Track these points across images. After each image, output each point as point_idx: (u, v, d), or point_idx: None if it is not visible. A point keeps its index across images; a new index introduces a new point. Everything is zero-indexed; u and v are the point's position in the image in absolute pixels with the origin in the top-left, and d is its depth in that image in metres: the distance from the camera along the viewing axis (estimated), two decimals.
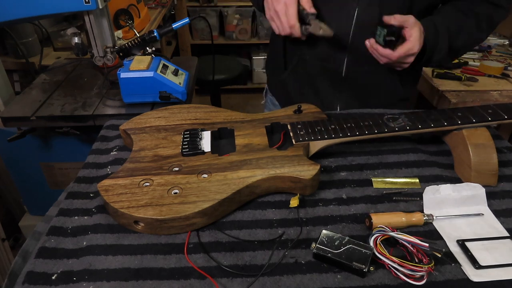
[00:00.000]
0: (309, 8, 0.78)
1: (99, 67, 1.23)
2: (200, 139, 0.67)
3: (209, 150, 0.65)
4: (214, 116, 0.74)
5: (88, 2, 1.01)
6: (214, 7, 2.80)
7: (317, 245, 0.51)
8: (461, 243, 0.53)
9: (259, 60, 2.99)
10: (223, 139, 0.71)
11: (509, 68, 1.40)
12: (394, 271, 0.49)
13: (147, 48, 1.07)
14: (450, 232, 0.55)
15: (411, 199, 0.61)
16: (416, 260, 0.49)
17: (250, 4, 2.76)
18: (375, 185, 0.64)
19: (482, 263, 0.50)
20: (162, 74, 1.01)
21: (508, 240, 0.54)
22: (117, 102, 1.08)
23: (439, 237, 0.55)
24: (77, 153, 1.17)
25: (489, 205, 0.60)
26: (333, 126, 0.68)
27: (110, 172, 0.67)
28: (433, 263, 0.48)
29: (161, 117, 0.74)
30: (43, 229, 0.59)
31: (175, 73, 1.07)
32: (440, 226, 0.57)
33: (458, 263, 0.51)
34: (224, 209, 0.58)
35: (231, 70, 2.35)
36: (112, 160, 0.70)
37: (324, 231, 0.53)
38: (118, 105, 1.07)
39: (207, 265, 0.51)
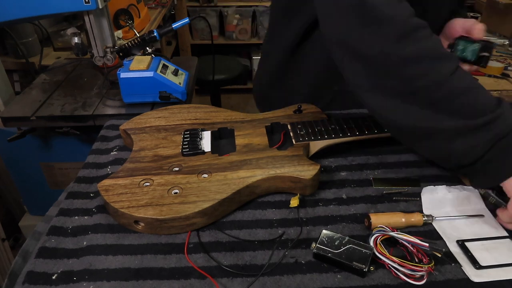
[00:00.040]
0: None
1: (99, 67, 1.23)
2: (200, 139, 0.67)
3: (209, 150, 0.65)
4: (214, 116, 0.74)
5: (88, 2, 1.01)
6: (214, 7, 2.80)
7: (317, 245, 0.51)
8: (461, 243, 0.53)
9: (259, 60, 2.98)
10: (223, 139, 0.71)
11: (509, 68, 1.40)
12: (394, 271, 0.49)
13: (147, 48, 1.07)
14: (450, 232, 0.55)
15: (411, 199, 0.61)
16: (416, 260, 0.49)
17: (250, 4, 2.77)
18: (375, 185, 0.64)
19: (483, 263, 0.50)
20: (162, 74, 1.01)
21: (508, 240, 0.54)
22: (117, 102, 1.08)
23: (439, 237, 0.55)
24: (77, 153, 1.17)
25: (487, 205, 0.60)
26: (333, 126, 0.68)
27: (110, 172, 0.67)
28: (433, 263, 0.48)
29: (161, 117, 0.74)
30: (43, 229, 0.59)
31: (175, 73, 1.07)
32: (439, 226, 0.57)
33: (458, 263, 0.51)
34: (224, 209, 0.58)
35: (231, 70, 2.35)
36: (112, 160, 0.70)
37: (324, 231, 0.53)
38: (118, 105, 1.07)
39: (207, 265, 0.51)
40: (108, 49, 1.15)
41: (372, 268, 0.49)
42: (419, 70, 0.51)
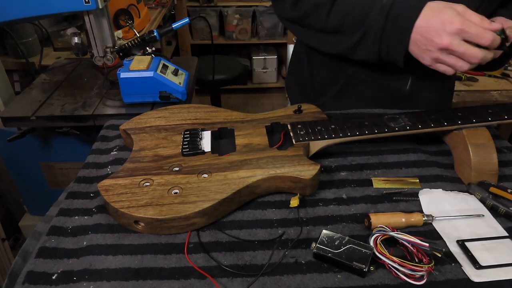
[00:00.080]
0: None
1: (99, 67, 1.23)
2: (200, 139, 0.67)
3: (209, 150, 0.65)
4: (214, 116, 0.74)
5: (88, 2, 1.01)
6: (214, 7, 2.80)
7: (317, 245, 0.51)
8: (461, 243, 0.53)
9: (259, 60, 2.99)
10: (223, 139, 0.71)
11: (509, 68, 1.40)
12: (394, 271, 0.49)
13: (147, 48, 1.07)
14: (450, 232, 0.55)
15: (411, 199, 0.61)
16: (416, 260, 0.49)
17: (250, 4, 2.77)
18: (375, 185, 0.64)
19: (483, 263, 0.50)
20: (162, 74, 1.01)
21: (508, 240, 0.54)
22: (117, 102, 1.08)
23: (438, 237, 0.55)
24: (77, 153, 1.17)
25: None
26: (333, 126, 0.68)
27: (110, 172, 0.67)
28: (433, 263, 0.48)
29: (161, 117, 0.74)
30: (43, 229, 0.59)
31: (175, 73, 1.07)
32: (439, 226, 0.57)
33: (458, 263, 0.51)
34: (224, 209, 0.58)
35: (231, 70, 2.35)
36: (112, 160, 0.70)
37: (324, 231, 0.53)
38: (118, 105, 1.07)
39: (207, 265, 0.51)
40: (108, 49, 1.15)
41: (372, 268, 0.49)
42: (308, 21, 0.76)
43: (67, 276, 0.50)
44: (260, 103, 3.07)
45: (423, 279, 0.48)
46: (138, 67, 0.99)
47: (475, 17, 0.59)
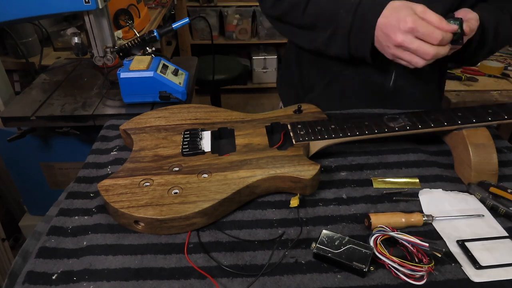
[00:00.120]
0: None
1: (99, 67, 1.23)
2: (200, 139, 0.67)
3: (209, 150, 0.65)
4: (214, 116, 0.74)
5: (88, 2, 1.01)
6: (214, 7, 2.80)
7: (317, 245, 0.51)
8: (461, 243, 0.53)
9: (259, 60, 2.99)
10: (223, 139, 0.71)
11: (509, 68, 1.40)
12: (394, 271, 0.49)
13: (147, 48, 1.07)
14: (450, 232, 0.55)
15: (411, 199, 0.61)
16: (416, 260, 0.49)
17: (250, 4, 2.77)
18: (375, 185, 0.64)
19: (483, 263, 0.50)
20: (162, 74, 1.01)
21: (508, 240, 0.54)
22: (117, 102, 1.08)
23: (438, 237, 0.55)
24: (77, 153, 1.17)
25: None
26: (333, 126, 0.68)
27: (110, 172, 0.67)
28: (433, 263, 0.48)
29: (161, 117, 0.74)
30: (43, 229, 0.59)
31: (175, 73, 1.07)
32: (439, 226, 0.57)
33: (458, 263, 0.51)
34: (224, 209, 0.58)
35: (231, 70, 2.35)
36: (112, 160, 0.70)
37: (324, 231, 0.53)
38: (118, 105, 1.07)
39: (207, 265, 0.51)
40: (108, 49, 1.15)
41: (372, 268, 0.49)
42: (287, 18, 0.81)
43: (67, 276, 0.50)
44: (260, 103, 3.08)
45: (423, 279, 0.48)
46: (138, 67, 0.99)
47: (433, 17, 0.62)
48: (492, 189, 0.61)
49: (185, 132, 0.69)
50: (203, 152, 0.65)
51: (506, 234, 0.55)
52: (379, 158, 0.70)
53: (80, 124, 1.05)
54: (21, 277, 0.50)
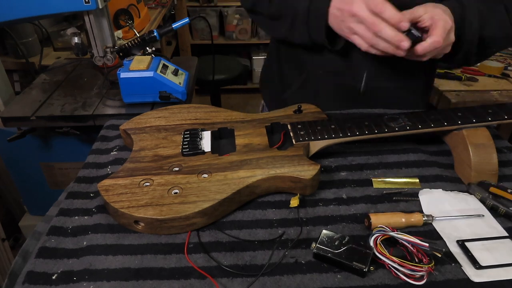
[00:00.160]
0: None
1: (99, 67, 1.23)
2: (200, 139, 0.67)
3: (209, 150, 0.65)
4: (214, 116, 0.74)
5: (88, 2, 1.01)
6: (214, 7, 2.80)
7: (317, 245, 0.51)
8: (461, 243, 0.53)
9: (259, 60, 2.99)
10: (223, 139, 0.71)
11: (509, 68, 1.40)
12: (394, 271, 0.49)
13: (147, 48, 1.07)
14: (450, 232, 0.55)
15: (411, 199, 0.61)
16: (416, 260, 0.49)
17: None
18: (375, 185, 0.64)
19: (483, 263, 0.50)
20: (162, 74, 1.01)
21: (508, 240, 0.54)
22: (117, 102, 1.08)
23: (438, 237, 0.55)
24: (77, 153, 1.17)
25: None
26: (333, 126, 0.68)
27: (110, 172, 0.67)
28: (433, 263, 0.48)
29: (161, 117, 0.74)
30: (43, 229, 0.59)
31: (175, 73, 1.07)
32: (439, 226, 0.57)
33: (458, 263, 0.51)
34: (224, 209, 0.58)
35: (231, 70, 2.35)
36: (112, 160, 0.70)
37: (324, 231, 0.53)
38: (118, 105, 1.07)
39: (207, 265, 0.51)
40: (108, 49, 1.15)
41: (372, 268, 0.49)
42: (257, 9, 0.83)
43: (67, 276, 0.50)
44: (260, 103, 3.07)
45: (423, 279, 0.48)
46: (138, 67, 0.99)
47: (389, 11, 0.62)
48: (492, 189, 0.61)
49: (185, 132, 0.69)
50: (203, 152, 0.65)
51: (506, 234, 0.55)
52: (379, 158, 0.70)
53: (80, 124, 1.05)
54: (21, 277, 0.50)
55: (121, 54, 1.07)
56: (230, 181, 0.58)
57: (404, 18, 0.62)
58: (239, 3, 2.77)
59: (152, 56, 1.05)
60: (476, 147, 0.64)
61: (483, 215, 0.58)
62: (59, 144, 1.17)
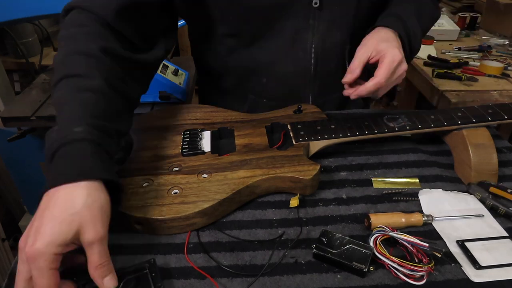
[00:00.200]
0: None
1: None
2: (200, 139, 0.67)
3: (209, 150, 0.65)
4: (214, 116, 0.74)
5: None
6: None
7: (317, 245, 0.51)
8: (461, 244, 0.53)
9: None
10: (223, 139, 0.71)
11: (509, 68, 1.40)
12: (394, 271, 0.49)
13: None
14: (450, 233, 0.55)
15: (411, 199, 0.61)
16: (416, 260, 0.49)
17: None
18: (375, 185, 0.64)
19: (483, 264, 0.50)
20: (162, 74, 1.01)
21: (508, 240, 0.54)
22: None
23: (438, 237, 0.55)
24: None
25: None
26: (333, 126, 0.68)
27: None
28: (433, 263, 0.48)
29: (161, 117, 0.74)
30: None
31: (175, 73, 1.07)
32: (439, 226, 0.57)
33: (458, 263, 0.51)
34: (224, 209, 0.58)
35: None
36: None
37: (324, 231, 0.53)
38: None
39: (207, 265, 0.51)
40: None
41: (372, 268, 0.49)
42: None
43: (67, 276, 0.49)
44: None
45: (423, 279, 0.48)
46: None
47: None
48: (492, 189, 0.61)
49: (185, 132, 0.69)
50: (203, 152, 0.65)
51: (506, 234, 0.55)
52: (379, 158, 0.70)
53: None
54: None
55: None
56: (230, 181, 0.58)
57: None
58: None
59: None
60: (476, 147, 0.64)
61: (483, 215, 0.58)
62: None
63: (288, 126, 0.69)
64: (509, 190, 0.60)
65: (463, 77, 1.32)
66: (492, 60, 1.44)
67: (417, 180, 0.65)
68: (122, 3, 0.60)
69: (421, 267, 0.48)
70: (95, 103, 0.52)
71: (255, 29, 0.73)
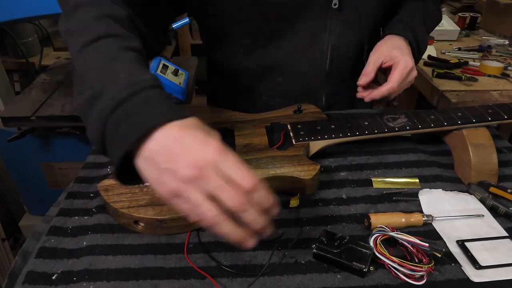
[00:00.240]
0: None
1: None
2: None
3: None
4: (214, 116, 0.74)
5: None
6: None
7: (317, 245, 0.51)
8: (461, 244, 0.53)
9: None
10: (223, 139, 0.71)
11: (509, 68, 1.40)
12: (394, 271, 0.49)
13: None
14: (450, 233, 0.55)
15: (411, 199, 0.61)
16: (416, 260, 0.49)
17: None
18: (375, 185, 0.64)
19: (483, 264, 0.50)
20: (162, 74, 1.01)
21: (508, 240, 0.54)
22: None
23: (438, 237, 0.55)
24: (77, 153, 1.17)
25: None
26: (333, 126, 0.68)
27: (110, 172, 0.66)
28: (433, 263, 0.48)
29: None
30: (43, 229, 0.59)
31: (175, 73, 1.07)
32: (439, 226, 0.57)
33: (458, 263, 0.51)
34: None
35: None
36: None
37: (324, 231, 0.53)
38: None
39: (207, 265, 0.51)
40: None
41: (372, 268, 0.49)
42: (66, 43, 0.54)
43: (67, 276, 0.50)
44: None
45: (423, 279, 0.48)
46: None
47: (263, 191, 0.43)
48: (492, 189, 0.61)
49: None
50: None
51: (506, 234, 0.55)
52: (379, 158, 0.70)
53: (80, 124, 1.05)
54: (21, 277, 0.50)
55: None
56: None
57: None
58: None
59: None
60: (476, 147, 0.64)
61: (483, 215, 0.58)
62: (59, 144, 1.17)
63: (288, 126, 0.69)
64: (509, 190, 0.60)
65: (463, 77, 1.32)
66: (492, 60, 1.43)
67: (417, 180, 0.65)
68: None
69: (421, 267, 0.48)
70: (141, 62, 0.50)
71: (273, 29, 0.74)
